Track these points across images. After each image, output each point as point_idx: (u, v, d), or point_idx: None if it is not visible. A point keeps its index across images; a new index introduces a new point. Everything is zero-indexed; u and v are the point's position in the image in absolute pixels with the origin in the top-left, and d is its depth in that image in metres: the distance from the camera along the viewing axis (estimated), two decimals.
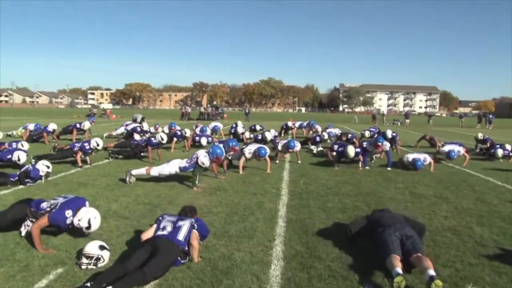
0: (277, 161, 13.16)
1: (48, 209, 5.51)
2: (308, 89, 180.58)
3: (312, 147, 16.83)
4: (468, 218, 7.09)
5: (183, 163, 9.28)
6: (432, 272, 4.16)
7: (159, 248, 4.57)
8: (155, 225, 5.18)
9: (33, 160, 11.30)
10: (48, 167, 9.38)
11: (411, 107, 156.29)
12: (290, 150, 13.12)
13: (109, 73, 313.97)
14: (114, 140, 18.12)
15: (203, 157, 9.06)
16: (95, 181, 9.60)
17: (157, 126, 24.57)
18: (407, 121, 48.17)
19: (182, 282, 4.41)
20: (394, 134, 16.83)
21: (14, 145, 12.73)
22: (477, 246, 5.68)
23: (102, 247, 4.86)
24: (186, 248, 4.89)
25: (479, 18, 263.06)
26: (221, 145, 11.33)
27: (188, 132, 16.75)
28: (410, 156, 12.32)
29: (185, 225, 5.06)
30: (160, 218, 5.29)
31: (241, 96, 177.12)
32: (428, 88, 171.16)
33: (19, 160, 10.58)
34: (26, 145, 12.90)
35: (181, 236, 4.91)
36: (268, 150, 11.49)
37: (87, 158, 11.88)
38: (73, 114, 57.64)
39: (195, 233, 5.04)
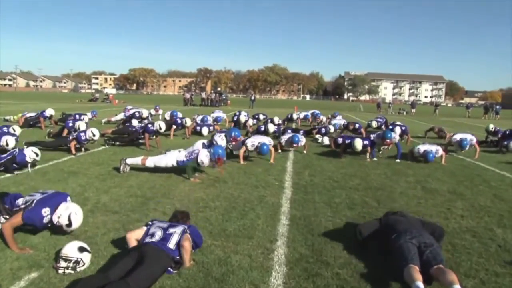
0: (280, 151, 12.58)
1: (23, 206, 4.96)
2: (313, 76, 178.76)
3: (317, 136, 16.25)
4: (487, 218, 6.50)
5: (181, 156, 8.70)
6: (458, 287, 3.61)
7: (146, 256, 4.01)
8: (144, 228, 4.63)
9: (25, 146, 10.79)
10: (37, 154, 8.81)
11: (416, 96, 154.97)
12: (294, 145, 12.51)
13: (113, 58, 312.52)
14: (112, 126, 17.58)
15: (204, 156, 8.45)
16: (87, 169, 9.05)
17: (157, 107, 24.03)
18: (413, 110, 47.34)
19: None
20: (404, 128, 16.17)
21: (5, 129, 12.18)
22: (501, 252, 5.10)
23: (81, 249, 4.31)
24: (178, 257, 4.34)
25: (487, 6, 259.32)
26: (222, 136, 10.72)
27: (188, 122, 16.13)
28: (421, 148, 11.71)
29: (176, 232, 4.49)
30: (150, 223, 4.72)
31: (245, 83, 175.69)
32: (434, 77, 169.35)
33: (7, 145, 9.95)
34: (18, 130, 12.37)
35: (172, 244, 4.36)
36: (270, 146, 10.87)
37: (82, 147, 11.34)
38: (75, 99, 57.14)
39: (186, 235, 4.48)
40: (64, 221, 4.85)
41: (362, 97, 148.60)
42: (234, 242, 5.08)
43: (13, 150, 8.86)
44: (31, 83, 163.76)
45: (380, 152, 12.55)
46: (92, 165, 9.54)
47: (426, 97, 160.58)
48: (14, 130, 12.28)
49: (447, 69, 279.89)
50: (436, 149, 11.63)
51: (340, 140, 13.31)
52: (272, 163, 10.69)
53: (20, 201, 5.07)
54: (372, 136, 12.54)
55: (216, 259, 4.56)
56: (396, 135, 12.33)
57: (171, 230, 4.53)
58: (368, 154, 11.84)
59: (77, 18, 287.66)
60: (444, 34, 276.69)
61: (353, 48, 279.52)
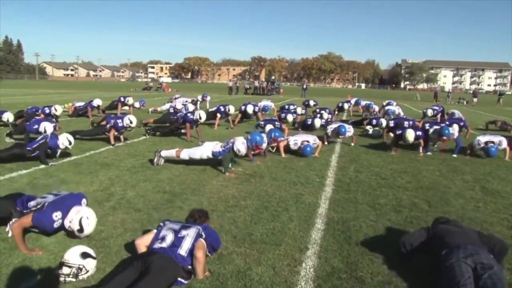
0: (326, 143, 11.84)
1: (34, 208, 4.64)
2: (369, 64, 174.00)
3: (368, 127, 15.30)
4: None
5: (217, 147, 8.22)
6: None
7: (151, 267, 3.51)
8: (154, 231, 4.16)
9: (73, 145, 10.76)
10: (70, 142, 8.55)
11: (478, 85, 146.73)
12: (340, 137, 11.72)
13: (168, 47, 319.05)
14: (157, 116, 17.45)
15: (240, 143, 7.96)
16: (121, 161, 8.78)
17: (205, 97, 23.83)
18: (475, 100, 44.45)
19: None
20: (462, 123, 14.62)
21: (46, 110, 12.31)
22: None
23: (85, 255, 3.89)
24: (190, 267, 3.84)
25: None
26: (244, 141, 9.90)
27: (232, 109, 15.62)
28: (482, 139, 10.59)
29: (189, 235, 3.98)
30: (161, 224, 4.24)
31: (299, 71, 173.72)
32: (498, 64, 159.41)
33: (45, 131, 9.88)
34: (59, 109, 12.45)
35: (183, 251, 3.86)
36: (314, 145, 10.18)
37: (121, 136, 11.12)
38: (130, 88, 58.38)
39: (201, 242, 3.95)
40: (75, 226, 4.50)
41: (420, 86, 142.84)
42: (259, 250, 4.50)
43: (45, 134, 8.70)
44: (91, 73, 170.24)
45: (436, 146, 11.48)
46: (127, 157, 9.28)
47: (489, 85, 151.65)
48: (56, 110, 12.36)
49: None
50: (499, 141, 10.48)
51: (392, 123, 12.46)
52: (316, 156, 10.01)
53: (32, 203, 4.76)
54: (427, 125, 11.52)
55: (235, 270, 4.00)
56: (455, 131, 11.16)
57: (183, 232, 4.02)
58: (421, 147, 10.87)
59: (134, 9, 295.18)
60: (509, 17, 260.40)
61: (410, 34, 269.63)
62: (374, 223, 5.48)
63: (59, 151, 8.57)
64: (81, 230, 4.50)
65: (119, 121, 10.86)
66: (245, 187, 7.08)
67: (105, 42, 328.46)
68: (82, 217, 4.50)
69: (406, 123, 13.47)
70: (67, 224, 4.54)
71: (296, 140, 10.14)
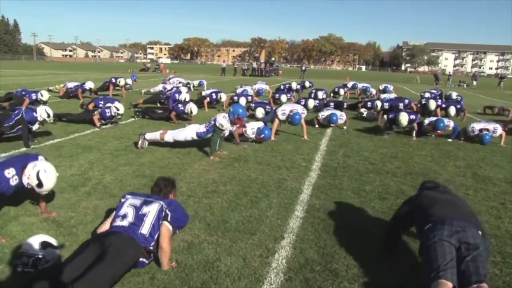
0: (317, 126, 11.59)
1: None
2: (370, 46, 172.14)
3: (363, 110, 15.00)
4: None
5: (201, 128, 7.97)
6: None
7: (109, 250, 3.28)
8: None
9: (52, 119, 10.48)
10: (48, 115, 8.23)
11: (480, 68, 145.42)
12: (331, 125, 11.44)
13: (168, 28, 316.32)
14: (147, 97, 17.11)
15: (221, 118, 7.66)
16: (105, 144, 8.54)
17: (201, 83, 23.57)
18: (475, 83, 43.95)
19: None
20: (459, 106, 14.26)
21: (33, 95, 12.04)
22: None
23: (45, 244, 3.67)
24: (151, 247, 3.63)
25: None
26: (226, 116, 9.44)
27: (223, 97, 15.29)
28: (477, 126, 10.33)
29: (150, 212, 3.73)
30: (122, 199, 3.99)
31: (299, 53, 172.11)
32: (501, 47, 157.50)
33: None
34: (45, 95, 12.15)
35: (145, 229, 3.64)
36: (303, 115, 9.90)
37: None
38: (128, 69, 57.80)
39: (166, 227, 3.72)
40: (33, 181, 4.22)
41: (421, 69, 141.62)
42: (232, 238, 4.29)
43: (19, 109, 8.39)
44: (90, 53, 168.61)
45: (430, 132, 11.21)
46: (112, 139, 9.04)
47: (491, 68, 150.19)
48: (42, 95, 12.09)
49: None
50: (494, 128, 10.22)
51: (386, 105, 12.36)
52: (305, 139, 9.78)
53: None
54: (426, 121, 11.20)
55: (203, 261, 3.80)
56: (450, 122, 10.79)
57: (145, 209, 3.77)
58: (414, 131, 10.61)
59: None
60: None
61: (412, 16, 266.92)
62: (356, 211, 5.28)
63: (36, 125, 8.25)
64: (40, 184, 4.24)
65: (106, 110, 10.61)
66: (228, 171, 6.86)
67: (104, 22, 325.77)
68: (39, 170, 4.23)
69: (401, 105, 13.16)
70: (25, 181, 4.25)
71: (284, 109, 9.88)
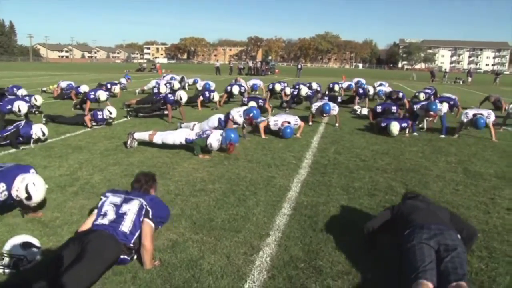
0: (310, 123, 11.57)
1: None
2: (366, 44, 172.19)
3: (357, 107, 15.01)
4: None
5: (192, 135, 7.92)
6: None
7: (88, 248, 3.26)
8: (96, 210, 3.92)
9: (44, 120, 10.47)
10: (43, 134, 8.38)
11: (476, 64, 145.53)
12: (324, 115, 11.44)
13: (164, 28, 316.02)
14: (140, 97, 17.08)
15: (214, 140, 7.57)
16: (95, 144, 8.51)
17: (196, 81, 23.49)
18: (470, 79, 44.06)
19: None
20: (453, 102, 14.17)
21: (26, 99, 11.93)
22: None
23: (26, 245, 3.65)
24: (132, 244, 3.62)
25: None
26: (241, 112, 9.37)
27: (216, 97, 15.17)
28: (470, 112, 10.25)
29: (130, 211, 3.73)
30: (103, 198, 3.98)
31: (296, 51, 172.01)
32: (497, 44, 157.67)
33: (19, 111, 9.49)
34: (39, 100, 12.08)
35: (125, 227, 3.64)
36: (296, 126, 9.93)
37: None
38: (124, 69, 57.63)
39: (148, 225, 3.71)
40: (22, 195, 4.27)
41: (417, 66, 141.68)
42: (217, 237, 4.27)
43: (19, 122, 8.42)
44: (86, 54, 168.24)
45: (423, 130, 11.20)
46: (102, 139, 9.01)
47: (487, 65, 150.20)
48: (35, 100, 12.00)
49: None
50: (487, 113, 10.12)
51: (379, 109, 12.24)
52: (297, 137, 9.76)
53: None
54: (415, 107, 11.20)
55: (186, 260, 3.78)
56: (442, 107, 10.85)
57: (125, 208, 3.77)
58: (407, 129, 10.58)
59: None
60: None
61: (408, 14, 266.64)
62: (344, 208, 5.25)
63: (32, 141, 8.27)
64: (29, 197, 4.28)
65: (99, 112, 10.63)
66: (217, 169, 6.83)
67: (101, 23, 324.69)
68: (28, 183, 4.28)
69: (394, 108, 13.08)
70: (14, 194, 4.29)
71: (277, 120, 9.85)
